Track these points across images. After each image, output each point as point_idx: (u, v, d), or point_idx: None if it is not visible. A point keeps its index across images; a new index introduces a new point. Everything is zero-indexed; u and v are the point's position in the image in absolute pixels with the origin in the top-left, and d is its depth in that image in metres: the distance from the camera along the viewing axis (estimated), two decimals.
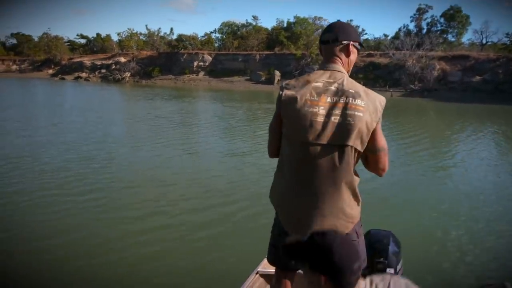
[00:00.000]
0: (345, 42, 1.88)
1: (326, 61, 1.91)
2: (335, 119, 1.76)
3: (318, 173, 1.82)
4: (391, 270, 2.20)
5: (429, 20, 42.78)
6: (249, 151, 10.75)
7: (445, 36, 41.28)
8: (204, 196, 6.72)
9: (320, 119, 1.77)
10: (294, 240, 1.58)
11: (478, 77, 31.77)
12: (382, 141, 1.85)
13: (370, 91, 1.83)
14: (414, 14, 43.60)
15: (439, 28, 41.90)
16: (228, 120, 16.91)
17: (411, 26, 43.78)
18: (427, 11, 42.78)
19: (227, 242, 4.95)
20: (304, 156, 1.83)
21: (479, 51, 36.91)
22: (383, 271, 2.17)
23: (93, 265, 4.28)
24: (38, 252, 4.53)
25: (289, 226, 1.94)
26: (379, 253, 2.20)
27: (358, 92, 1.78)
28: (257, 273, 2.86)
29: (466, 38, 49.38)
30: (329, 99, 1.78)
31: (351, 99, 1.76)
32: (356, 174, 1.86)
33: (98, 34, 57.67)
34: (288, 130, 1.87)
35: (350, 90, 1.78)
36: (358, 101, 1.76)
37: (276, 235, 2.02)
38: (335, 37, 1.88)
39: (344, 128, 1.75)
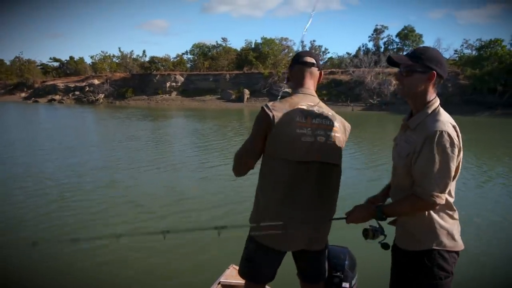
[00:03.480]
0: (320, 69, 2.13)
1: (303, 84, 2.05)
2: (320, 139, 1.92)
3: (310, 190, 1.94)
4: (346, 285, 2.24)
5: (385, 39, 46.00)
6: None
7: (400, 54, 44.05)
8: (169, 205, 6.78)
9: (309, 139, 1.91)
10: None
11: None
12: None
13: (337, 115, 2.07)
14: (372, 34, 46.87)
15: (395, 46, 44.77)
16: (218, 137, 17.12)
17: (370, 45, 46.86)
18: (383, 31, 46.07)
19: (189, 252, 4.91)
20: (297, 174, 1.92)
21: None
22: (338, 285, 2.23)
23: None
24: None
25: (275, 242, 1.97)
26: (335, 268, 2.23)
27: (333, 115, 2.02)
28: (219, 283, 2.84)
29: None
30: (314, 121, 1.92)
31: (330, 121, 1.97)
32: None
33: (71, 57, 58.38)
34: (280, 150, 1.92)
35: (328, 113, 2.00)
36: (335, 123, 1.98)
37: (252, 250, 2.06)
38: (315, 62, 2.08)
39: (328, 147, 1.95)
